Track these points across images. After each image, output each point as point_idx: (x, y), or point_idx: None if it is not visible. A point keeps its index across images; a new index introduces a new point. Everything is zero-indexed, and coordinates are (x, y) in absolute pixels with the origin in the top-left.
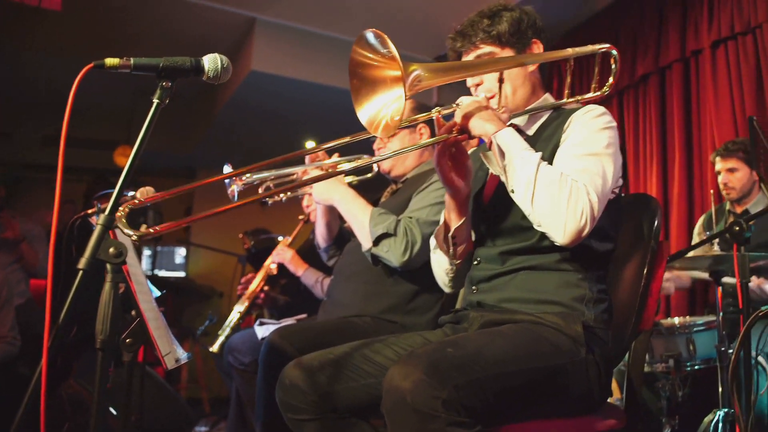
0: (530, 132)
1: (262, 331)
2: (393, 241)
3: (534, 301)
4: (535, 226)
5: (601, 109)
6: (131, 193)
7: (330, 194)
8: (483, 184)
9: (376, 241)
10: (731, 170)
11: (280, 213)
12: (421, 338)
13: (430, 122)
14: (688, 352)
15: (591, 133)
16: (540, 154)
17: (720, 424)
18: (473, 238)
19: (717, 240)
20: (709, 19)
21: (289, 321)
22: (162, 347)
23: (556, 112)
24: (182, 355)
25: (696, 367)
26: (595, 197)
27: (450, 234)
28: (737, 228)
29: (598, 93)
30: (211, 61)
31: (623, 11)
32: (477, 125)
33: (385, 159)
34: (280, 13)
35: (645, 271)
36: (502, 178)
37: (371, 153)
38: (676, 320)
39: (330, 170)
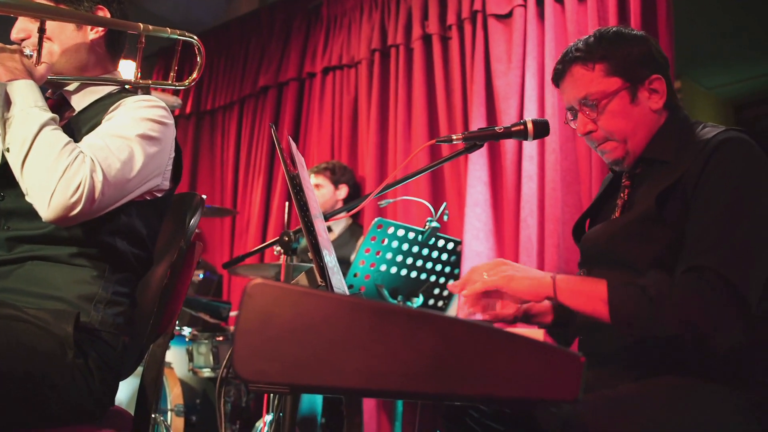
0: (78, 107)
1: None
2: None
3: (36, 295)
4: (25, 196)
5: (159, 102)
6: None
7: None
8: None
9: None
10: (317, 186)
11: None
12: None
13: None
14: None
15: (132, 120)
16: (52, 116)
17: (266, 428)
18: None
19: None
20: (324, 47)
21: None
22: None
23: (117, 95)
24: None
25: None
26: (101, 177)
27: None
28: (286, 239)
29: (177, 84)
30: None
31: (256, 24)
32: None
33: None
34: None
35: (169, 272)
36: (0, 132)
37: None
38: None
39: None
